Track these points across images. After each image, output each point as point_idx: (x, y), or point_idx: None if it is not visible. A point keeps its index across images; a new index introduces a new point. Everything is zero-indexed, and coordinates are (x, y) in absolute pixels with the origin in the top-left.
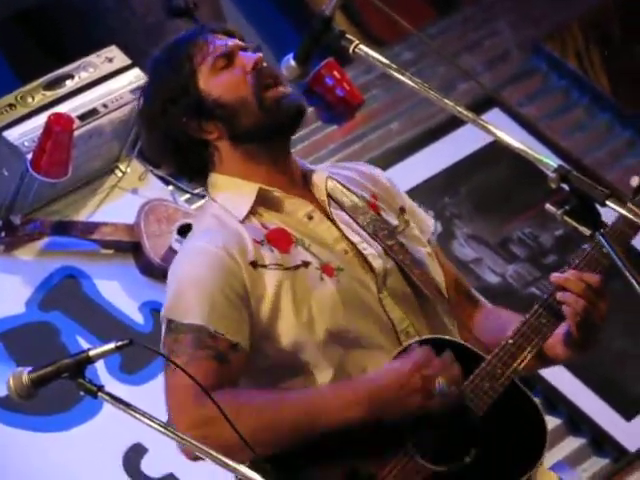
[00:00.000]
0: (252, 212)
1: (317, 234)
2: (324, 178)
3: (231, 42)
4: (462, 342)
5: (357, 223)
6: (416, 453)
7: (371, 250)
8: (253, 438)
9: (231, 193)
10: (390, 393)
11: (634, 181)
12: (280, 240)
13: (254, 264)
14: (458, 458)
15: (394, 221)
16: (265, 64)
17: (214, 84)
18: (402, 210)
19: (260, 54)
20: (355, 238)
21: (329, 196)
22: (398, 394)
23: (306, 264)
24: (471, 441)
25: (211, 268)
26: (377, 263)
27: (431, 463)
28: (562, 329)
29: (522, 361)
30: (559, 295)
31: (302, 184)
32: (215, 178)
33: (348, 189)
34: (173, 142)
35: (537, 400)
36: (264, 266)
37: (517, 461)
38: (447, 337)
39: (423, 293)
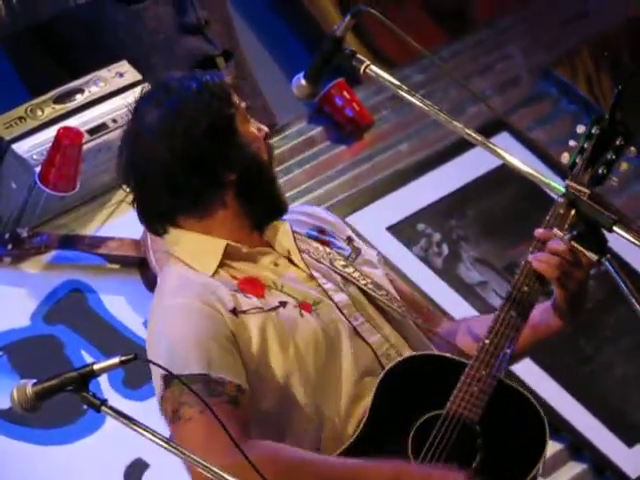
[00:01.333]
0: (220, 265)
1: (287, 276)
2: (289, 228)
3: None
4: (443, 354)
5: (315, 260)
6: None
7: (330, 285)
8: None
9: (196, 250)
10: None
11: (564, 158)
12: (252, 287)
13: (234, 311)
14: (465, 465)
15: (346, 250)
16: None
17: (247, 133)
18: (350, 239)
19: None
20: (316, 274)
21: (293, 240)
22: None
23: (283, 304)
24: (474, 447)
25: (196, 320)
26: (338, 297)
27: None
28: (546, 304)
29: (505, 356)
30: (535, 264)
31: (260, 236)
32: (178, 233)
33: (297, 232)
34: (189, 173)
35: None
36: (244, 312)
37: (523, 456)
38: (429, 352)
39: (393, 313)
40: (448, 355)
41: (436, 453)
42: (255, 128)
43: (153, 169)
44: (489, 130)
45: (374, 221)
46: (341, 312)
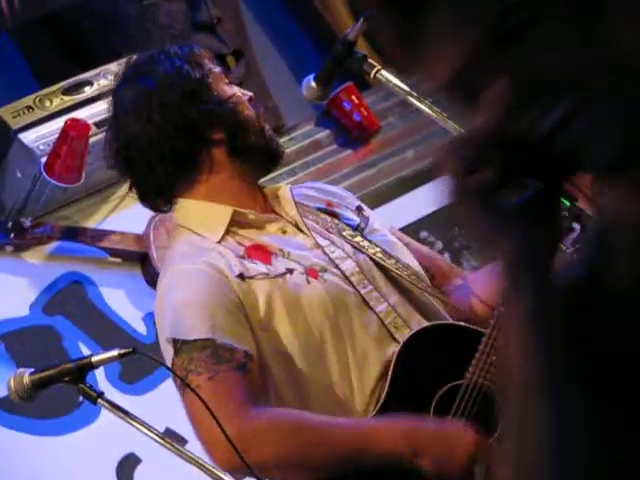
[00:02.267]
0: (226, 232)
1: (294, 244)
2: (289, 193)
3: None
4: (459, 324)
5: (324, 229)
6: None
7: (338, 253)
8: (305, 456)
9: (203, 217)
10: (438, 447)
11: None
12: (260, 253)
13: (241, 276)
14: (489, 433)
15: (355, 220)
16: None
17: (223, 91)
18: (359, 209)
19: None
20: (324, 242)
21: (298, 208)
22: (444, 452)
23: (290, 271)
24: (495, 416)
25: (203, 285)
26: (345, 265)
27: None
28: None
29: None
30: None
31: (265, 203)
32: (184, 204)
33: (306, 205)
34: (173, 138)
35: None
36: (251, 277)
37: None
38: (444, 322)
39: (403, 281)
40: (463, 324)
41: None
42: (236, 90)
43: (138, 146)
44: None
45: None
46: (348, 280)
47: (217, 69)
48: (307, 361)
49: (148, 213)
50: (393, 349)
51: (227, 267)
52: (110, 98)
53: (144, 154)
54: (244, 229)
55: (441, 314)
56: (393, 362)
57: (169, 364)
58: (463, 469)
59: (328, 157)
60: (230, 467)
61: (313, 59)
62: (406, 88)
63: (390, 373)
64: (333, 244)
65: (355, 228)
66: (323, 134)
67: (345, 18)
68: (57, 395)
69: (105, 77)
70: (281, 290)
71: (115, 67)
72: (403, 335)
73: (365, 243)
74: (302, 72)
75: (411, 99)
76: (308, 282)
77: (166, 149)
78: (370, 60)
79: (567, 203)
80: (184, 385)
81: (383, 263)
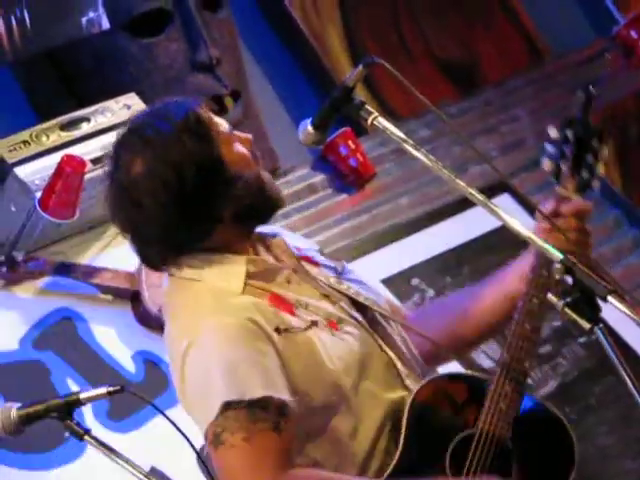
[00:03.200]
0: (245, 283)
1: (303, 294)
2: (284, 242)
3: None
4: (462, 373)
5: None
6: None
7: (345, 302)
8: None
9: (220, 270)
10: None
11: (546, 166)
12: (281, 304)
13: (278, 330)
14: (504, 476)
15: (331, 264)
16: None
17: (235, 159)
18: (321, 252)
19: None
20: (327, 292)
21: (298, 258)
22: None
23: (315, 323)
24: (510, 462)
25: (249, 339)
26: (355, 314)
27: None
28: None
29: (525, 372)
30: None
31: (256, 252)
32: (195, 258)
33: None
34: (180, 220)
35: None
36: (286, 330)
37: (553, 472)
38: (448, 373)
39: (388, 326)
40: (468, 372)
41: (476, 473)
42: (239, 144)
43: (148, 222)
44: (490, 191)
45: (369, 272)
46: (364, 328)
47: (224, 126)
48: (340, 412)
49: None
50: (401, 393)
51: (264, 321)
52: (111, 157)
53: (151, 230)
54: (256, 280)
55: (409, 345)
56: (405, 417)
57: (205, 420)
58: None
59: (323, 201)
60: None
61: (311, 103)
62: (402, 136)
63: (403, 429)
64: (335, 293)
65: (336, 274)
66: (318, 178)
67: (344, 63)
68: (43, 430)
69: (103, 114)
70: (312, 344)
71: (113, 104)
72: (410, 380)
73: (351, 290)
74: (299, 115)
75: (407, 146)
76: (332, 334)
77: (175, 229)
78: (367, 107)
79: (560, 255)
80: (218, 442)
81: (375, 308)
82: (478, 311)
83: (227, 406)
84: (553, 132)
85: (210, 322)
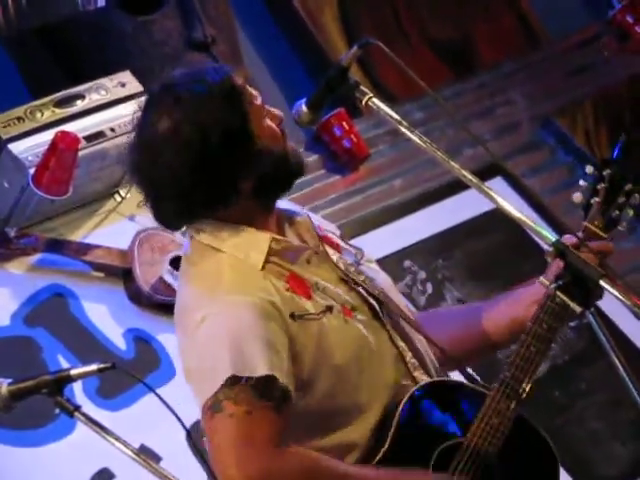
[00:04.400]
0: (266, 261)
1: (321, 277)
2: (308, 220)
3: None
4: (464, 382)
5: (338, 266)
6: None
7: (361, 289)
8: None
9: (239, 242)
10: None
11: (577, 198)
12: (299, 286)
13: (292, 316)
14: None
15: (351, 252)
16: None
17: (264, 132)
18: (342, 237)
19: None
20: (359, 278)
21: (320, 239)
22: None
23: (330, 308)
24: (492, 477)
25: (263, 319)
26: (370, 303)
27: None
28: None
29: (523, 392)
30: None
31: (279, 227)
32: (211, 225)
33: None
34: (200, 182)
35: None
36: (301, 317)
37: None
38: (448, 379)
39: (402, 322)
40: (468, 383)
41: None
42: (270, 119)
43: (166, 179)
44: (484, 174)
45: None
46: (377, 318)
47: (257, 98)
48: (342, 404)
49: (133, 229)
50: (408, 384)
51: (282, 304)
52: (138, 114)
53: (169, 190)
54: (277, 259)
55: (417, 341)
56: (399, 411)
57: (207, 390)
58: None
59: (316, 182)
60: None
61: (305, 83)
62: (397, 117)
63: (395, 421)
64: (352, 279)
65: (354, 261)
66: (312, 159)
67: (339, 44)
68: (33, 407)
69: (97, 91)
70: (325, 331)
71: (108, 82)
72: (418, 372)
73: (368, 282)
74: (294, 95)
75: (401, 128)
76: (346, 322)
77: (194, 194)
78: (362, 87)
79: (552, 238)
80: (217, 409)
81: (387, 303)
82: (483, 329)
83: (233, 380)
84: (589, 168)
85: (229, 299)
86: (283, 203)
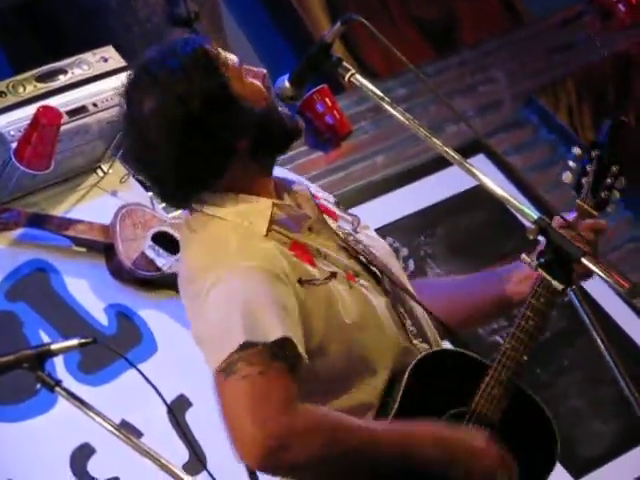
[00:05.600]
0: (269, 228)
1: (323, 245)
2: (307, 191)
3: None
4: (466, 352)
5: (337, 234)
6: None
7: (362, 257)
8: (340, 460)
9: (241, 209)
10: (467, 454)
11: (567, 178)
12: (303, 253)
13: (300, 281)
14: None
15: (348, 220)
16: None
17: (246, 92)
18: (338, 205)
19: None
20: (358, 246)
21: (319, 209)
22: (472, 458)
23: (334, 274)
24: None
25: (272, 284)
26: (372, 269)
27: None
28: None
29: (520, 363)
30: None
31: (278, 195)
32: (219, 197)
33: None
34: (193, 151)
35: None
36: (308, 282)
37: (534, 467)
38: (452, 349)
39: (402, 292)
40: (471, 353)
41: None
42: (252, 78)
43: (161, 159)
44: (466, 151)
45: None
46: (380, 284)
47: (233, 60)
48: (354, 369)
49: (115, 204)
50: (411, 356)
51: (289, 269)
52: (123, 96)
53: (167, 166)
54: (279, 225)
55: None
56: (405, 378)
57: (221, 352)
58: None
59: (298, 158)
60: (262, 464)
61: (289, 59)
62: (379, 93)
63: (402, 388)
64: (350, 246)
65: (352, 229)
66: None
67: (322, 21)
68: (14, 381)
69: (80, 66)
70: (331, 296)
71: (90, 57)
72: (417, 340)
73: (367, 251)
74: (277, 71)
75: (384, 104)
76: (350, 287)
77: (191, 164)
78: (345, 63)
79: (534, 216)
80: (230, 371)
81: (385, 272)
82: (471, 303)
83: (247, 345)
84: (577, 150)
85: (238, 264)
86: (281, 172)
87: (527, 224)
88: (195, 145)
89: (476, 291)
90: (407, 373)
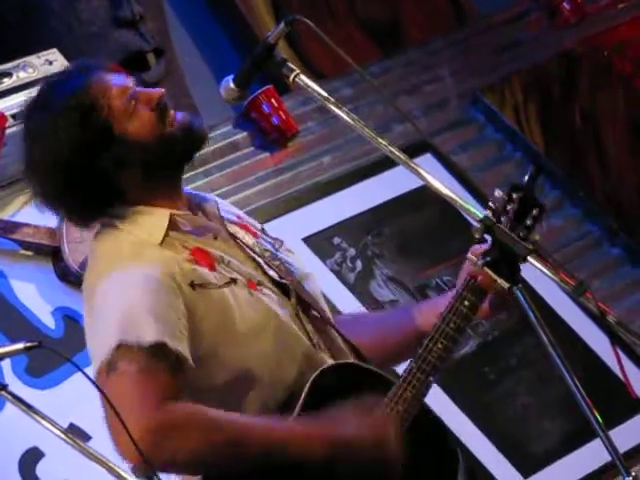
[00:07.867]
0: (166, 235)
1: (227, 253)
2: (216, 207)
3: (129, 80)
4: (371, 367)
5: (248, 246)
6: None
7: (272, 272)
8: (217, 453)
9: (142, 221)
10: (361, 443)
11: (498, 193)
12: (204, 259)
13: (192, 285)
14: None
15: (270, 242)
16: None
17: (131, 129)
18: (263, 230)
19: (163, 90)
20: (255, 256)
21: (222, 221)
22: (368, 446)
23: (234, 280)
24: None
25: (156, 289)
26: (278, 283)
27: None
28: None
29: (428, 383)
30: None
31: (188, 207)
32: (120, 209)
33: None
34: (81, 187)
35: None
36: (201, 286)
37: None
38: (356, 362)
39: (314, 311)
40: (375, 369)
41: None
42: (143, 105)
43: (55, 200)
44: (413, 151)
45: (290, 231)
46: (285, 296)
47: (119, 99)
48: (254, 370)
49: None
50: (316, 366)
51: (179, 274)
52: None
53: (59, 204)
54: (181, 234)
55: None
56: (307, 387)
57: (100, 354)
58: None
59: (245, 159)
60: (139, 461)
61: (234, 60)
62: (324, 94)
63: (302, 397)
64: (263, 260)
65: (272, 248)
66: (240, 136)
67: (267, 22)
68: None
69: (24, 69)
70: (227, 301)
71: (35, 60)
72: (324, 353)
73: (283, 268)
74: (222, 73)
75: (329, 105)
76: (251, 294)
77: (75, 200)
78: (289, 64)
79: (480, 215)
80: (110, 369)
81: (299, 291)
82: (403, 337)
83: (123, 345)
84: (498, 192)
85: (125, 267)
86: (196, 193)
87: (473, 223)
88: (79, 190)
89: (410, 324)
90: (309, 382)
